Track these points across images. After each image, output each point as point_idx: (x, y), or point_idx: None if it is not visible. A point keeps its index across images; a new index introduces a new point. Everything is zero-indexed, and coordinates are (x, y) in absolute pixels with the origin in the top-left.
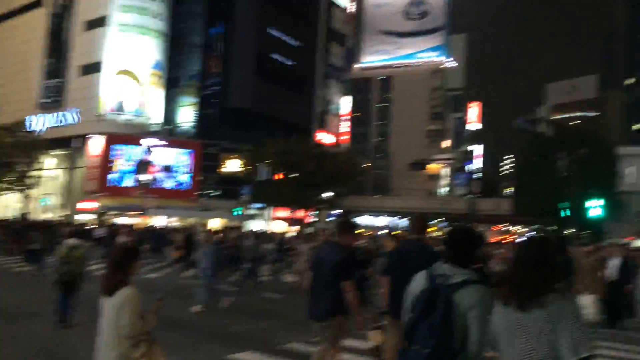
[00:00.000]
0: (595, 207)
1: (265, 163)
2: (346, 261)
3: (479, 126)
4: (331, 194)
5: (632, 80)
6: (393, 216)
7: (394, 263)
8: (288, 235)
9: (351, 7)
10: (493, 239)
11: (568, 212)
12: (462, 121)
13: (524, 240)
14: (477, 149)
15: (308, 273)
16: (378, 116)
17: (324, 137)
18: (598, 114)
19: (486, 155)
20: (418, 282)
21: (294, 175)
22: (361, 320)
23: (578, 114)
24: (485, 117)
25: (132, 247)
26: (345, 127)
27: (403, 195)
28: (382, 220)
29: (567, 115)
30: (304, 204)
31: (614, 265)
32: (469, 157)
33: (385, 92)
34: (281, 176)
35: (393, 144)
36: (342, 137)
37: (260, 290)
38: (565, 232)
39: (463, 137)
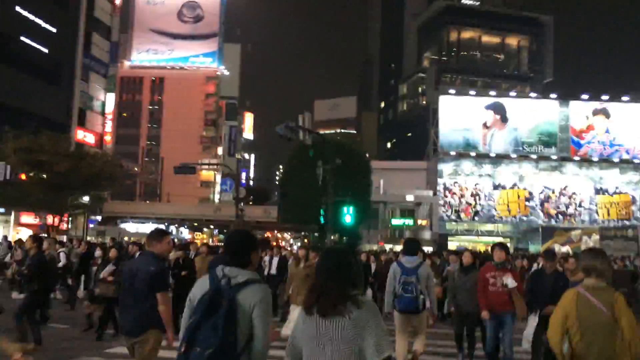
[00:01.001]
0: (346, 214)
1: (5, 161)
2: (162, 272)
3: (253, 136)
4: (87, 198)
5: (383, 104)
6: (162, 223)
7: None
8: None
9: None
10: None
11: (323, 219)
12: (237, 130)
13: (325, 251)
14: (252, 158)
15: None
16: (149, 118)
17: (86, 136)
18: (356, 132)
19: (259, 165)
20: (201, 286)
21: (42, 175)
22: (172, 335)
23: (340, 130)
24: (260, 127)
25: None
26: (109, 126)
27: (174, 202)
28: (149, 227)
29: (331, 131)
30: (55, 208)
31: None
32: (245, 165)
33: (157, 94)
34: (24, 176)
35: (164, 148)
36: (105, 137)
37: None
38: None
39: (238, 146)
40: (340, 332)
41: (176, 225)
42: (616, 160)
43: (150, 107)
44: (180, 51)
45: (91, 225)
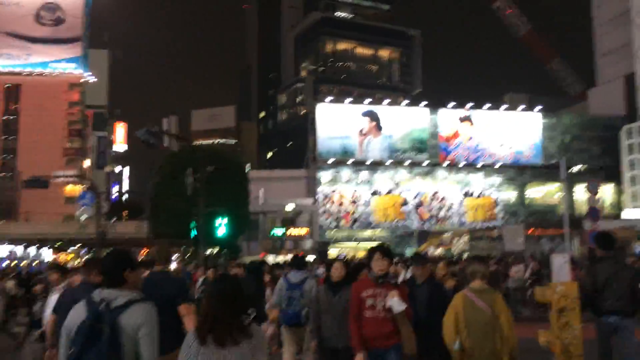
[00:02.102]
0: (220, 226)
1: None
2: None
3: (126, 147)
4: None
5: (263, 114)
6: (19, 244)
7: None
8: None
9: None
10: None
11: (194, 232)
12: (107, 140)
13: (217, 276)
14: (126, 171)
15: None
16: (4, 129)
17: None
18: (236, 141)
19: (134, 178)
20: (77, 314)
21: None
22: None
23: (219, 140)
24: (134, 138)
25: None
26: None
27: (34, 221)
28: (4, 250)
29: (210, 142)
30: None
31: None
32: (117, 178)
33: (12, 102)
34: None
35: (22, 161)
36: None
37: None
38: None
39: (107, 158)
40: (242, 359)
41: (37, 246)
42: (480, 165)
43: (4, 117)
44: (39, 56)
45: None
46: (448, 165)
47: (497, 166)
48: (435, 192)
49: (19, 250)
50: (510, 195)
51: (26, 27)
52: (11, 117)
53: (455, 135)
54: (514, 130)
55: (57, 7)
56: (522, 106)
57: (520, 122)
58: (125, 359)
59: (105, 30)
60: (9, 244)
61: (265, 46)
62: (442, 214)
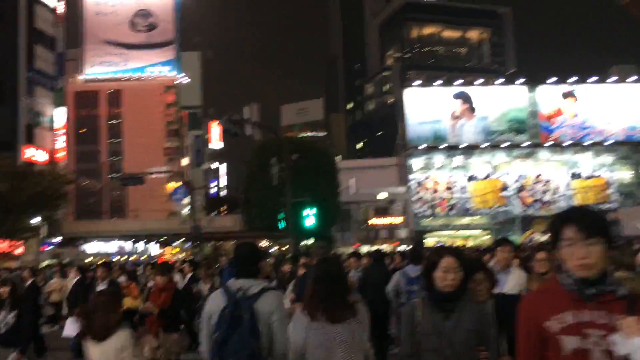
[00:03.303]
0: (308, 217)
1: None
2: None
3: (221, 145)
4: (38, 219)
5: (351, 105)
6: (128, 240)
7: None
8: None
9: (61, 8)
10: None
11: (283, 223)
12: (203, 139)
13: (320, 259)
14: (223, 167)
15: None
16: (109, 133)
17: (36, 154)
18: (325, 133)
19: (232, 174)
20: (216, 301)
21: None
22: None
23: (308, 134)
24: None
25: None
26: (61, 142)
27: (140, 217)
28: (114, 246)
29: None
30: (2, 232)
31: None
32: (215, 175)
33: (115, 107)
34: None
35: (128, 162)
36: (58, 154)
37: None
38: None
39: (204, 156)
40: (351, 335)
41: (144, 241)
42: (588, 143)
43: (109, 122)
44: (136, 61)
45: (49, 248)
46: (551, 145)
47: (607, 144)
48: (539, 175)
49: (128, 245)
50: (624, 174)
51: (122, 35)
52: (115, 121)
53: (558, 112)
54: (625, 104)
55: (149, 13)
56: (634, 77)
57: (632, 94)
58: (262, 341)
59: (195, 33)
60: (119, 239)
61: (349, 36)
62: (547, 197)
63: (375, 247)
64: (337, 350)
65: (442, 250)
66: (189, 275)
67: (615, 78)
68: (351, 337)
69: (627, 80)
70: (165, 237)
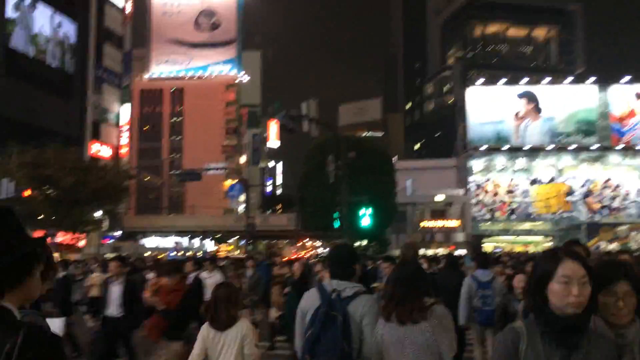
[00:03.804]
0: (364, 216)
1: (9, 177)
2: None
3: (279, 143)
4: (100, 212)
5: (409, 105)
6: (185, 236)
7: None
8: None
9: (129, 8)
10: (289, 256)
11: (338, 223)
12: (261, 137)
13: (399, 263)
14: (280, 166)
15: None
16: (171, 130)
17: (100, 150)
18: (383, 133)
19: (287, 173)
20: (310, 300)
21: (48, 191)
22: None
23: (365, 133)
24: (287, 135)
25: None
26: (125, 138)
27: (199, 214)
28: (170, 241)
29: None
30: (66, 225)
31: None
32: (271, 173)
33: (177, 105)
34: (29, 192)
35: (187, 159)
36: (122, 150)
37: None
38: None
39: (261, 154)
40: (420, 336)
41: (200, 237)
42: None
43: (171, 120)
44: (199, 60)
45: (110, 241)
46: (623, 148)
47: None
48: (608, 180)
49: (184, 241)
50: None
51: (187, 34)
52: (177, 119)
53: (631, 114)
54: None
55: (213, 12)
56: None
57: None
58: (353, 342)
59: (256, 32)
60: (175, 235)
61: (410, 35)
62: (616, 203)
63: (430, 251)
64: (407, 351)
65: (560, 253)
66: (193, 274)
67: None
68: (422, 339)
69: None
70: (220, 234)
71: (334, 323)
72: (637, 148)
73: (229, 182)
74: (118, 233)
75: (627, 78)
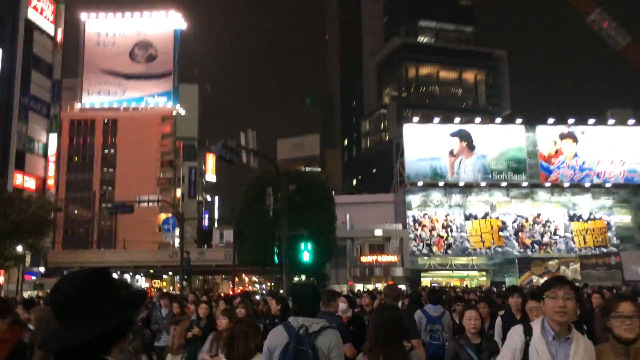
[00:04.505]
0: (304, 251)
1: None
2: None
3: (215, 178)
4: (19, 248)
5: (347, 141)
6: (114, 272)
7: None
8: None
9: (60, 36)
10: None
11: (277, 258)
12: (197, 171)
13: (381, 306)
14: (217, 200)
15: None
16: (103, 162)
17: (25, 181)
18: (321, 169)
19: (223, 207)
20: (277, 337)
21: None
22: None
23: (304, 168)
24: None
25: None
26: (52, 169)
27: (130, 248)
28: None
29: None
30: None
31: None
32: (209, 207)
33: (110, 136)
34: None
35: (120, 192)
36: (49, 182)
37: None
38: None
39: (198, 187)
40: None
41: (130, 273)
42: (588, 185)
43: (104, 151)
44: (134, 92)
45: (33, 278)
46: (550, 186)
47: (607, 186)
48: (538, 215)
49: (114, 277)
50: (624, 218)
51: (122, 65)
52: (110, 151)
53: (558, 153)
54: (624, 147)
55: (149, 44)
56: (632, 120)
57: (631, 138)
58: None
59: (193, 65)
60: None
61: (347, 74)
62: (545, 239)
63: (369, 286)
64: None
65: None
66: None
67: (614, 121)
68: None
69: (627, 124)
70: (153, 270)
71: (303, 357)
72: (564, 186)
73: (163, 216)
74: (42, 269)
75: (552, 120)
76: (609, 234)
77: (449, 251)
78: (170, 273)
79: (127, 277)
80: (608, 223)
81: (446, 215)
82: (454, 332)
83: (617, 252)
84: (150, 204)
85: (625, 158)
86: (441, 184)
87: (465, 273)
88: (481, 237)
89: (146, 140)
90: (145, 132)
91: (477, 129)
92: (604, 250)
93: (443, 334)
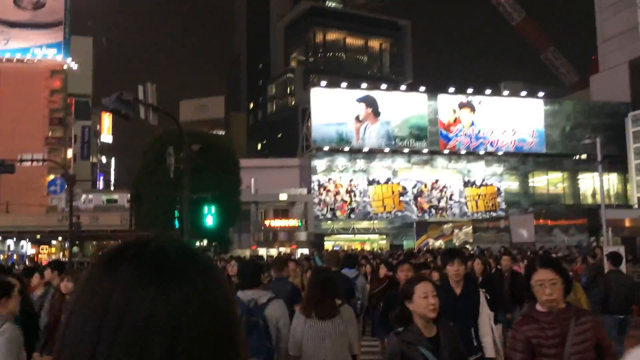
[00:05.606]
0: (207, 215)
1: None
2: None
3: (112, 138)
4: None
5: (252, 105)
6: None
7: None
8: None
9: None
10: None
11: (177, 222)
12: (91, 130)
13: (316, 269)
14: (113, 162)
15: None
16: None
17: None
18: (225, 132)
19: (122, 170)
20: None
21: None
22: None
23: (208, 131)
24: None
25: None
26: None
27: (13, 212)
28: None
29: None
30: None
31: None
32: (104, 169)
33: None
34: None
35: (1, 151)
36: None
37: None
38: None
39: (92, 148)
40: (336, 329)
41: (14, 239)
42: (482, 152)
43: None
44: (19, 41)
45: None
46: (448, 153)
47: (499, 154)
48: (436, 181)
49: None
50: (512, 184)
51: (5, 11)
52: None
53: (457, 121)
54: (516, 117)
55: None
56: (524, 92)
57: (522, 109)
58: (273, 342)
59: (89, 16)
60: None
61: (254, 36)
62: (442, 204)
63: (273, 250)
64: (325, 341)
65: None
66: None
67: (508, 92)
68: (337, 331)
69: (520, 95)
70: (40, 235)
71: (255, 327)
72: (461, 153)
73: (52, 177)
74: None
75: (452, 89)
76: (499, 199)
77: (352, 215)
78: (60, 239)
79: (10, 242)
80: (498, 189)
81: (350, 180)
82: (400, 322)
83: (505, 217)
84: (36, 163)
85: (516, 128)
86: (346, 149)
87: (366, 237)
88: (383, 202)
89: (32, 95)
90: (32, 86)
91: (382, 96)
92: (494, 214)
93: (357, 294)
